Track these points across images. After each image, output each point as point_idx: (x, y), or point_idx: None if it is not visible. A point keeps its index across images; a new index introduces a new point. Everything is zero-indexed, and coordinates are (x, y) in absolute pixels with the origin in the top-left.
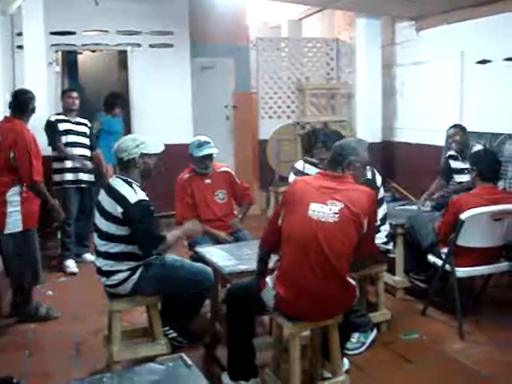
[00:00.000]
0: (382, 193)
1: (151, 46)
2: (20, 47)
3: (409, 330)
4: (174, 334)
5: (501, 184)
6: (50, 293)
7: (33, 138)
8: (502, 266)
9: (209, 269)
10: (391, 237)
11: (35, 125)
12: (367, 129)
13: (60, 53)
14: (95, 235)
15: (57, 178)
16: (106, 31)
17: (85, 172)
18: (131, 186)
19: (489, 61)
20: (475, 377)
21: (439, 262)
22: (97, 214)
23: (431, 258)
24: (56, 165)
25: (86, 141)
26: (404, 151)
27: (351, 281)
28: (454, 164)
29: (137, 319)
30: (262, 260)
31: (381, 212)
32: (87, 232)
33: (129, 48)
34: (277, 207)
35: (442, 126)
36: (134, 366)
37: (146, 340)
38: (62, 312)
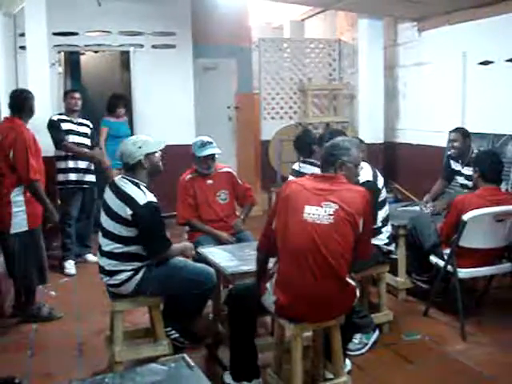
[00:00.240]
0: (384, 194)
1: (154, 46)
2: (22, 48)
3: (411, 331)
4: (176, 335)
5: (503, 186)
6: (53, 293)
7: (32, 137)
8: (505, 267)
9: (211, 269)
10: (393, 238)
11: (38, 125)
12: (369, 130)
13: (62, 53)
14: (100, 234)
15: (60, 177)
16: (108, 32)
17: (87, 173)
18: (139, 187)
19: (491, 62)
20: (477, 378)
21: (441, 263)
22: (102, 214)
23: (433, 258)
24: (60, 164)
25: (88, 141)
26: (406, 152)
27: (351, 281)
28: (454, 165)
29: (139, 320)
30: (261, 263)
31: (383, 213)
32: (89, 232)
33: (131, 49)
34: (271, 212)
35: (444, 127)
36: (136, 366)
37: (148, 340)
38: (65, 312)
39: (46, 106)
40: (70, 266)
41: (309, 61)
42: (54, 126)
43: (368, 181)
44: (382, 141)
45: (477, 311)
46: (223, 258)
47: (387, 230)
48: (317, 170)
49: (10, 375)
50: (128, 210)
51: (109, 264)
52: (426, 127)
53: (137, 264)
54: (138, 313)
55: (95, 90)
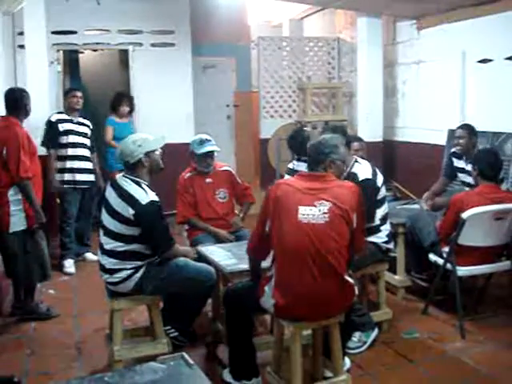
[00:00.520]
0: (383, 192)
1: (153, 45)
2: (21, 46)
3: (410, 329)
4: (176, 334)
5: (504, 186)
6: (52, 292)
7: (26, 136)
8: (504, 265)
9: (211, 268)
10: (392, 236)
11: (36, 124)
12: (368, 128)
13: (61, 52)
14: (101, 233)
15: (57, 177)
16: (107, 30)
17: (84, 172)
18: (140, 186)
19: (490, 60)
20: (476, 376)
21: (440, 261)
22: (104, 212)
23: (432, 257)
24: (56, 165)
25: (87, 141)
26: (405, 150)
27: (349, 279)
28: (457, 162)
29: (138, 318)
30: (254, 265)
31: (382, 211)
32: (88, 231)
33: (130, 47)
34: (261, 214)
35: (444, 126)
36: (135, 365)
37: (147, 339)
38: (64, 311)
39: (45, 104)
40: (69, 264)
41: (308, 59)
42: (50, 128)
43: (367, 179)
44: (381, 139)
45: (476, 309)
46: (222, 256)
47: (386, 228)
48: None
49: (9, 374)
50: (130, 209)
51: (109, 262)
52: (425, 125)
53: (137, 263)
54: (138, 311)
55: (94, 89)
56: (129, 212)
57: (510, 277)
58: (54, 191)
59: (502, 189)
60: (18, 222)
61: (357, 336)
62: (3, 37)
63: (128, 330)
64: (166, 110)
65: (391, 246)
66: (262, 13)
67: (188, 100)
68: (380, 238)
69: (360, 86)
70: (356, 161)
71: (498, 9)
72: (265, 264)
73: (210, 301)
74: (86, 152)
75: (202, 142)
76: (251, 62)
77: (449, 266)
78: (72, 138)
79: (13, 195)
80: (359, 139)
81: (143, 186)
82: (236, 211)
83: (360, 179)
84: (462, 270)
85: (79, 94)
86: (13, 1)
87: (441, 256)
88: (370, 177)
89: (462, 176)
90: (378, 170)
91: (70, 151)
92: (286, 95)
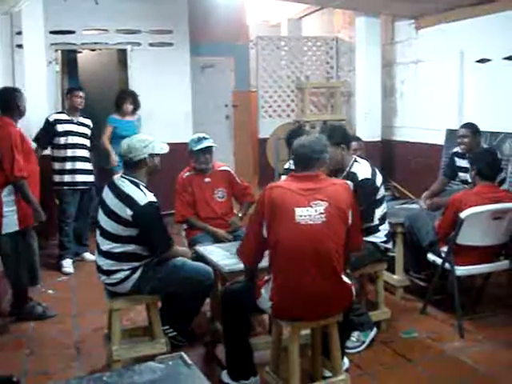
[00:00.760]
0: (382, 192)
1: (151, 44)
2: (19, 46)
3: (408, 329)
4: (174, 333)
5: (504, 187)
6: (51, 292)
7: (20, 135)
8: (502, 264)
9: (209, 268)
10: (391, 236)
11: (36, 124)
12: (366, 128)
13: (59, 52)
14: (98, 233)
15: (56, 178)
16: (105, 30)
17: (84, 173)
18: (138, 187)
19: (488, 60)
20: (475, 375)
21: (439, 261)
22: (100, 213)
23: (431, 256)
24: (55, 166)
25: (87, 142)
26: (403, 150)
27: (346, 279)
28: (459, 162)
29: (137, 318)
30: (251, 272)
31: (380, 211)
32: (86, 231)
33: (128, 47)
34: (255, 220)
35: (442, 125)
36: (133, 364)
37: (146, 339)
38: (62, 311)
39: (43, 104)
40: (67, 264)
41: (306, 59)
42: (47, 128)
43: (367, 178)
44: (379, 139)
45: (474, 309)
46: (220, 256)
47: (385, 228)
48: None
49: (8, 373)
50: (128, 210)
51: (106, 263)
52: (423, 125)
53: (134, 264)
54: (136, 311)
55: (92, 89)
56: (127, 213)
57: (508, 276)
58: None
59: (501, 188)
60: (10, 224)
61: (355, 335)
62: (1, 36)
63: (127, 330)
64: (164, 110)
65: (390, 245)
66: (260, 12)
67: (186, 100)
68: (379, 237)
69: (358, 85)
70: (355, 160)
71: (497, 8)
72: (263, 263)
73: (208, 300)
74: (85, 153)
75: (199, 140)
76: (250, 62)
77: (447, 265)
78: (71, 139)
79: (6, 196)
80: (358, 139)
81: (141, 187)
82: (235, 211)
83: (359, 179)
84: (461, 270)
85: (81, 93)
86: (13, 3)
87: (439, 256)
88: (369, 176)
89: (463, 175)
90: (377, 170)
91: (70, 152)
92: (284, 95)
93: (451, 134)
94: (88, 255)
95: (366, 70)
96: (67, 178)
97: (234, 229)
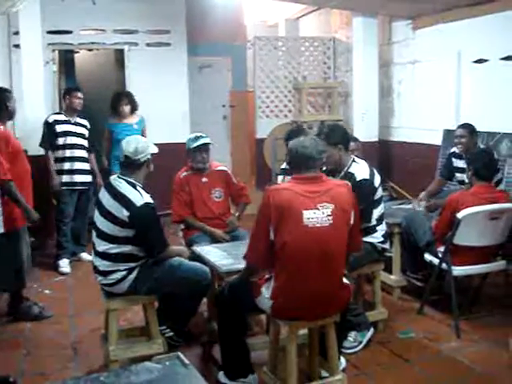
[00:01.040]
0: (380, 192)
1: (148, 44)
2: (17, 46)
3: (405, 329)
4: (171, 333)
5: (501, 187)
6: (47, 292)
7: (4, 137)
8: (499, 264)
9: (206, 268)
10: (388, 236)
11: (32, 124)
12: (364, 128)
13: (57, 52)
14: (94, 234)
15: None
16: (103, 30)
17: (83, 173)
18: (135, 188)
19: (486, 60)
20: (471, 375)
21: (436, 261)
22: (97, 214)
23: (428, 256)
24: (54, 166)
25: (85, 142)
26: (401, 150)
27: (345, 280)
28: (457, 162)
29: (135, 318)
30: (250, 275)
31: (378, 211)
32: (84, 231)
33: (126, 47)
34: (261, 222)
35: (439, 126)
36: (130, 364)
37: (143, 339)
38: (59, 311)
39: (41, 104)
40: (64, 264)
41: (303, 59)
42: (47, 129)
43: (365, 179)
44: (376, 139)
45: (471, 309)
46: (218, 256)
47: (382, 229)
48: None
49: (5, 374)
50: (125, 211)
51: (103, 264)
52: (420, 125)
53: (131, 264)
54: (134, 311)
55: (90, 89)
56: (123, 214)
57: (505, 276)
58: (55, 191)
59: (498, 189)
60: None
61: (352, 336)
62: None
63: (123, 330)
64: (161, 110)
65: (387, 245)
66: (257, 13)
67: (184, 100)
68: (376, 238)
69: (356, 85)
70: (354, 160)
71: (494, 9)
72: None
73: (205, 300)
74: (83, 153)
75: (196, 138)
76: (247, 62)
77: (444, 265)
78: (70, 140)
79: None
80: (355, 139)
81: (138, 188)
82: (232, 211)
83: (357, 179)
84: (458, 270)
85: (80, 94)
86: (11, 3)
87: (436, 256)
88: (367, 177)
89: (460, 176)
90: (375, 170)
91: (68, 152)
92: (281, 95)
93: (448, 134)
94: (85, 255)
95: (363, 71)
96: (66, 179)
97: (231, 229)
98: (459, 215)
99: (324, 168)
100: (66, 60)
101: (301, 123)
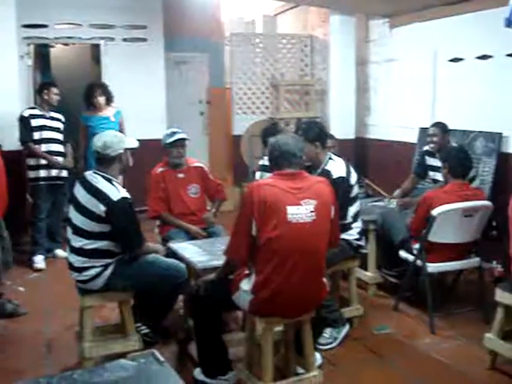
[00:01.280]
0: (356, 190)
1: (125, 40)
2: None
3: (381, 325)
4: (147, 330)
5: (475, 184)
6: (21, 289)
7: None
8: (473, 261)
9: (182, 264)
10: (363, 233)
11: (7, 119)
12: (340, 125)
13: (32, 46)
14: (69, 230)
15: (31, 174)
16: (78, 24)
17: (58, 168)
18: (111, 183)
19: (461, 59)
20: (446, 370)
21: (411, 258)
22: (72, 209)
23: (403, 253)
24: (30, 161)
25: (60, 136)
26: (377, 148)
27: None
28: (430, 161)
29: (110, 315)
30: (229, 270)
31: (354, 209)
32: (59, 227)
33: (102, 42)
34: (244, 217)
35: (415, 124)
36: (105, 362)
37: (118, 336)
38: (34, 308)
39: (15, 99)
40: (39, 260)
41: (281, 56)
42: (22, 123)
43: (341, 177)
44: (353, 136)
45: (445, 305)
46: (194, 252)
47: (358, 226)
48: None
49: None
50: (101, 206)
51: (78, 260)
52: (396, 123)
53: (107, 260)
54: (108, 308)
55: (65, 83)
56: (100, 209)
57: (478, 273)
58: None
59: (472, 186)
60: None
61: (328, 332)
62: None
63: (99, 328)
64: (138, 106)
65: (362, 242)
66: (235, 9)
67: (160, 96)
68: (351, 235)
69: (332, 83)
70: (330, 158)
71: (470, 8)
72: None
73: (181, 297)
74: (59, 147)
75: (172, 133)
76: (225, 59)
77: (419, 262)
78: (45, 134)
79: None
80: (331, 136)
81: (114, 182)
82: (208, 207)
83: (334, 177)
84: (432, 267)
85: (56, 90)
86: None
87: (411, 253)
88: (343, 175)
89: (433, 174)
90: (351, 168)
91: (44, 147)
92: (258, 92)
93: (424, 132)
94: (60, 252)
95: (340, 68)
96: (43, 173)
97: (207, 225)
98: (434, 212)
99: (306, 164)
100: (42, 54)
101: (277, 120)
